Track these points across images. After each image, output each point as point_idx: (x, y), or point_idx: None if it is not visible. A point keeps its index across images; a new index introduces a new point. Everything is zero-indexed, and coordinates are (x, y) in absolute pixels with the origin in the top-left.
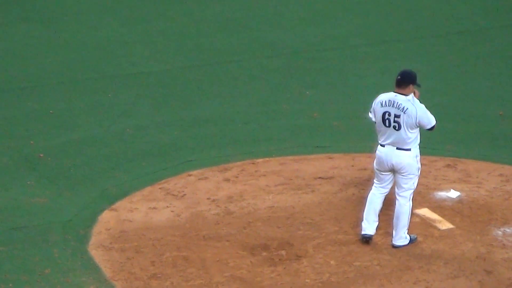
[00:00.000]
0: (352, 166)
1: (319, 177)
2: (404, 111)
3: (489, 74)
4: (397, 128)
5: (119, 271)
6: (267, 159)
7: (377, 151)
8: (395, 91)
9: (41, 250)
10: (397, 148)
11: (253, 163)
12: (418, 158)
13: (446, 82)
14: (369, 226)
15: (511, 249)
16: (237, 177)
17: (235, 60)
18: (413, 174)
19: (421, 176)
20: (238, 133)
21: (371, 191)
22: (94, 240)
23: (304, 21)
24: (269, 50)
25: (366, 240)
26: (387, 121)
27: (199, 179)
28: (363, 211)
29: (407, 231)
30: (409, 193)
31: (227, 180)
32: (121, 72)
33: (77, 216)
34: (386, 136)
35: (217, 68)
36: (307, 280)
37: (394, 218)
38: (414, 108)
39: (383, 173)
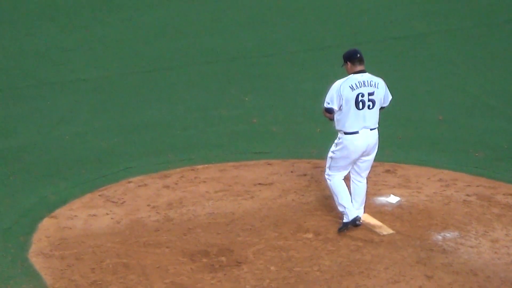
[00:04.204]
0: (291, 172)
1: (259, 183)
2: (377, 86)
3: (427, 78)
4: (371, 107)
5: (59, 278)
6: (207, 165)
7: (347, 140)
8: (360, 69)
9: None
10: (370, 130)
11: (192, 170)
12: None
13: None
14: (353, 208)
15: (451, 254)
16: (176, 183)
17: (173, 66)
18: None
19: None
20: (177, 139)
21: (334, 181)
22: (34, 247)
23: (242, 27)
24: (207, 56)
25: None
26: (360, 103)
27: (138, 186)
28: (340, 200)
29: None
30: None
31: (167, 186)
32: (60, 78)
33: (17, 223)
34: (357, 121)
35: (156, 75)
36: (247, 286)
37: (357, 197)
38: (382, 81)
39: (351, 160)
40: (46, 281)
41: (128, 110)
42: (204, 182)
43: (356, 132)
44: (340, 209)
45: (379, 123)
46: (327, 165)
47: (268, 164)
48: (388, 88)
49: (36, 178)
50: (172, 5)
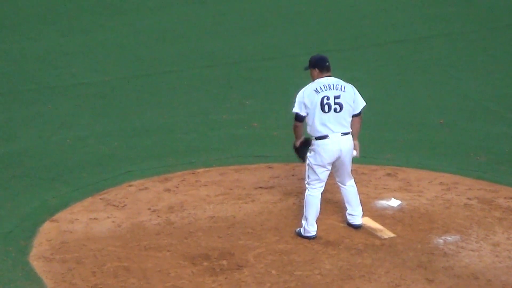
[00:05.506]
0: (292, 175)
1: (260, 187)
2: (343, 90)
3: (428, 82)
4: (338, 110)
5: (60, 282)
6: (207, 169)
7: (318, 146)
8: (327, 75)
9: None
10: (342, 134)
11: (193, 173)
12: None
13: (386, 90)
14: (316, 227)
15: (452, 257)
16: (177, 187)
17: (175, 70)
18: (352, 156)
19: (362, 185)
20: (178, 143)
21: (310, 194)
22: (35, 251)
23: (243, 31)
24: (209, 60)
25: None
26: (326, 106)
27: (139, 189)
28: (307, 214)
29: None
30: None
31: (168, 190)
32: (61, 83)
33: (18, 227)
34: (325, 125)
35: (157, 79)
36: None
37: (350, 202)
38: (350, 86)
39: (327, 167)
40: (47, 284)
41: (129, 114)
42: (205, 185)
43: (326, 137)
44: (303, 221)
45: (378, 127)
46: (306, 174)
47: (269, 167)
48: (360, 94)
49: (37, 182)
50: (173, 9)
